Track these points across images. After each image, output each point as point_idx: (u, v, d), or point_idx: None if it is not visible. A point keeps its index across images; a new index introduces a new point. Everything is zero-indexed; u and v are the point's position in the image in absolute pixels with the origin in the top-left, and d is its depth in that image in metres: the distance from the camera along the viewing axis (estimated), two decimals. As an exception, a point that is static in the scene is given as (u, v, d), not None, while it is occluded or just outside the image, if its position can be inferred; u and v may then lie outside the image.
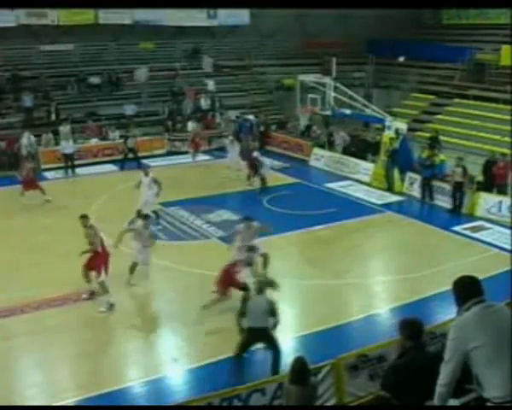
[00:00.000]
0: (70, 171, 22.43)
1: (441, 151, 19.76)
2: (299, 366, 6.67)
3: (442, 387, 4.39)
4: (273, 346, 9.15)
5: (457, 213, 17.02)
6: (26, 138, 22.97)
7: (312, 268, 13.72)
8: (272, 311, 9.07)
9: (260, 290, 9.27)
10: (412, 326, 5.62)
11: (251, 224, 12.59)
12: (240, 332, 9.39)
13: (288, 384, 6.75)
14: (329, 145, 23.77)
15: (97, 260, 11.61)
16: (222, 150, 25.04)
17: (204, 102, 27.90)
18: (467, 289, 4.48)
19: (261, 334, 9.10)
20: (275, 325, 9.16)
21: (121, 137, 24.62)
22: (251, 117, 26.83)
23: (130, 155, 23.16)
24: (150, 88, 27.82)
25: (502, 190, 17.37)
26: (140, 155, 23.53)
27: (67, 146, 22.34)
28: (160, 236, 15.63)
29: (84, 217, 11.92)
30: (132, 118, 26.36)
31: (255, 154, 20.29)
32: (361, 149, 22.85)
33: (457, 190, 17.11)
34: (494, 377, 4.17)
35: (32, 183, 18.79)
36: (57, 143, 23.43)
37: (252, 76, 31.11)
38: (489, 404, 4.21)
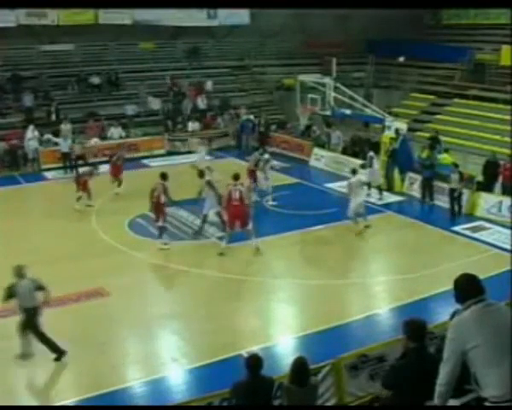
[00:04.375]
0: (69, 170, 22.34)
1: (441, 151, 19.74)
2: (300, 366, 6.67)
3: (441, 386, 4.39)
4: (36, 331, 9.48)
5: (456, 217, 16.86)
6: (31, 132, 23.01)
7: (312, 268, 13.72)
8: (39, 286, 9.49)
9: (20, 275, 9.48)
10: (415, 327, 5.63)
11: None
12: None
13: (288, 384, 6.75)
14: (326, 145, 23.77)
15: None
16: (222, 150, 25.04)
17: (203, 102, 27.90)
18: (466, 288, 4.47)
19: (34, 312, 9.44)
20: (47, 296, 9.61)
21: (121, 137, 24.70)
22: (252, 117, 26.82)
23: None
24: (150, 88, 27.81)
25: (508, 192, 17.19)
26: (140, 155, 23.46)
27: (66, 145, 22.29)
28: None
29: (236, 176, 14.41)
30: (133, 118, 26.39)
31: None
32: (361, 149, 22.83)
33: (454, 196, 16.92)
34: (492, 377, 4.16)
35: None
36: (57, 143, 23.41)
37: (252, 76, 31.11)
38: (487, 403, 4.21)
